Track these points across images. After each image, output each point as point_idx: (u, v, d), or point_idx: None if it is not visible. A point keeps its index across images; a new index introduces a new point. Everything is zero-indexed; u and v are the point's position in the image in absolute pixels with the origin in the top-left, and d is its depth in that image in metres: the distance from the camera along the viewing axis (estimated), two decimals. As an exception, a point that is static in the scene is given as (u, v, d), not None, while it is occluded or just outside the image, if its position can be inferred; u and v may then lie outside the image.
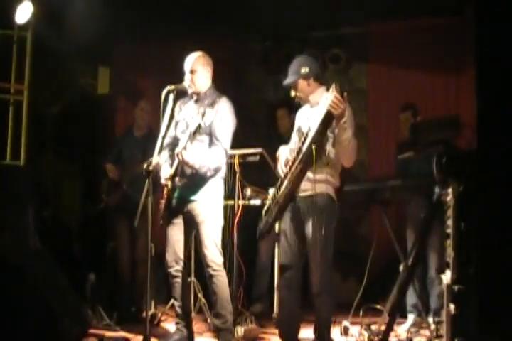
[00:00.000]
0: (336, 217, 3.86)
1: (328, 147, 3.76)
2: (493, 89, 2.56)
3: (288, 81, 3.96)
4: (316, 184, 3.69)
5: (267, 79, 6.58)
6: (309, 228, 3.77)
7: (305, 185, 3.76)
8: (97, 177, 5.53)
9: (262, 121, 6.41)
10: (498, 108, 2.57)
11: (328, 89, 3.55)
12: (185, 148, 3.87)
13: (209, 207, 4.07)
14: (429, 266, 4.61)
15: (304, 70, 3.89)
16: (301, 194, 3.81)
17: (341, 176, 3.91)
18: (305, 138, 3.64)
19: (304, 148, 3.62)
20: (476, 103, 2.55)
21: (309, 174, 3.71)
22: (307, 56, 4.20)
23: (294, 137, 4.04)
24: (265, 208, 3.96)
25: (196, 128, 3.82)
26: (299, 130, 3.94)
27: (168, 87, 3.97)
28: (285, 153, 3.91)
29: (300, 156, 3.64)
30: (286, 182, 3.73)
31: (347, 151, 3.70)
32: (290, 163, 3.75)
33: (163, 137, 3.98)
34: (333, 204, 3.84)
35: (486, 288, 2.68)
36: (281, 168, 3.86)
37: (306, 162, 3.63)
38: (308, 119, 3.81)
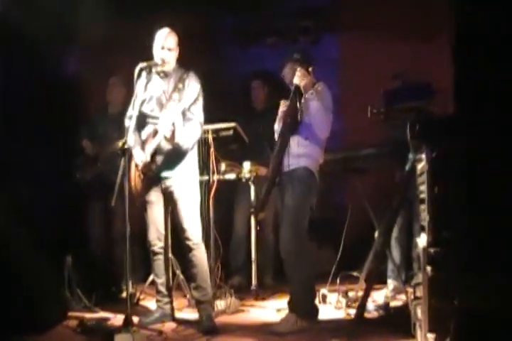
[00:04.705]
0: (313, 189, 4.06)
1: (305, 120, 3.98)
2: (470, 55, 2.61)
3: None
4: (295, 158, 3.98)
5: (236, 53, 6.55)
6: (286, 197, 4.00)
7: (286, 161, 4.01)
8: (71, 155, 5.47)
9: (234, 95, 6.39)
10: (474, 73, 2.62)
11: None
12: (173, 128, 3.89)
13: (186, 182, 4.10)
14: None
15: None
16: (284, 169, 4.03)
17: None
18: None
19: (281, 124, 3.97)
20: (453, 69, 2.60)
21: (290, 149, 3.97)
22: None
23: None
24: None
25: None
26: None
27: (141, 64, 3.93)
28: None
29: (279, 132, 3.99)
30: (272, 159, 4.02)
31: (317, 122, 3.95)
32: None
33: (131, 117, 3.98)
34: (311, 177, 4.05)
35: (466, 249, 2.76)
36: None
37: (284, 137, 3.93)
38: None
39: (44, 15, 5.08)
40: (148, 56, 4.08)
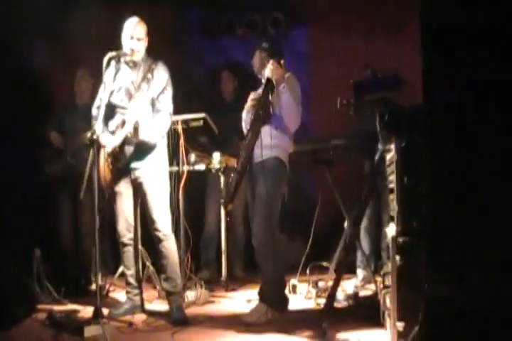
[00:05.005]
0: (283, 178, 4.08)
1: (276, 112, 4.00)
2: (437, 45, 2.63)
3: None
4: (266, 149, 3.96)
5: (206, 44, 6.53)
6: (258, 187, 4.00)
7: (257, 151, 3.98)
8: (37, 147, 5.39)
9: (203, 87, 6.38)
10: (443, 63, 2.64)
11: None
12: (137, 125, 3.87)
13: (155, 173, 4.08)
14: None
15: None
16: (255, 160, 4.03)
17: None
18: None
19: (252, 116, 3.94)
20: (421, 59, 2.62)
21: (261, 140, 3.94)
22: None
23: None
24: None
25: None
26: None
27: (110, 54, 3.89)
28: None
29: (250, 124, 3.95)
30: (242, 150, 3.96)
31: (288, 115, 3.98)
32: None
33: (99, 107, 3.98)
34: (282, 166, 4.07)
35: (434, 239, 2.79)
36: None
37: (255, 128, 3.89)
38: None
39: (10, 6, 5.00)
40: (116, 46, 4.03)
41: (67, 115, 5.24)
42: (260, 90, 4.08)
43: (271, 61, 3.96)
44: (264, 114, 3.90)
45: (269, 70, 3.93)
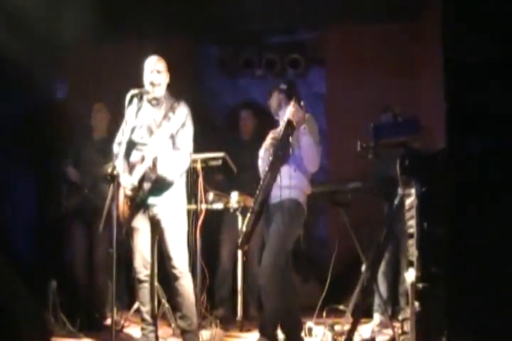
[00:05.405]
0: (300, 220, 4.06)
1: (296, 153, 4.00)
2: (460, 90, 2.65)
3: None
4: (284, 190, 3.95)
5: (225, 84, 6.61)
6: (272, 226, 4.00)
7: (275, 192, 3.98)
8: (54, 182, 5.44)
9: (221, 125, 6.44)
10: (465, 109, 2.65)
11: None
12: (155, 161, 3.90)
13: (173, 210, 4.10)
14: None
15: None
16: (272, 201, 4.03)
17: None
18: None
19: (271, 157, 3.94)
20: (444, 104, 2.64)
21: (280, 181, 3.95)
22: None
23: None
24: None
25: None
26: None
27: (132, 91, 3.96)
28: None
29: (268, 164, 3.94)
30: (259, 190, 3.95)
31: (308, 156, 4.00)
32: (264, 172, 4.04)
33: (120, 143, 4.04)
34: (300, 208, 4.05)
35: (453, 285, 2.76)
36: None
37: (274, 169, 3.90)
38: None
39: (29, 39, 5.09)
40: (134, 82, 4.10)
41: (84, 149, 5.29)
42: (279, 129, 4.11)
43: (292, 103, 3.97)
44: (283, 155, 3.92)
45: (290, 112, 3.94)
